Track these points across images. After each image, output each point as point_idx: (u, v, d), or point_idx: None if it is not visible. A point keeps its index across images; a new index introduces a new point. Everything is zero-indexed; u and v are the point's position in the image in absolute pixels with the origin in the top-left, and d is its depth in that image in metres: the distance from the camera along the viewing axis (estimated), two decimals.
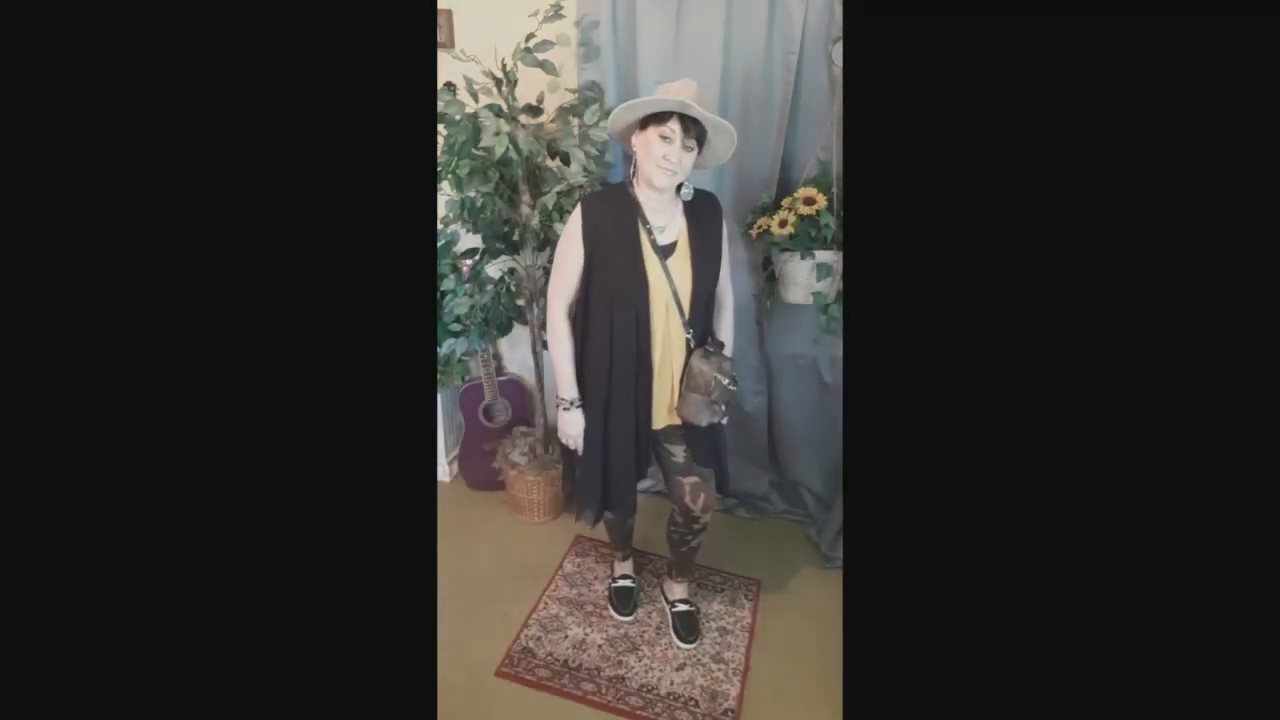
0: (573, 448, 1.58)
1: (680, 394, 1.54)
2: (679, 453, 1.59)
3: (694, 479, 1.57)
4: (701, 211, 1.50)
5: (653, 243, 1.44)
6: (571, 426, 1.55)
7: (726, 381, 1.52)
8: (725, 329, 1.64)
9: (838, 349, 1.94)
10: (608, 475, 1.58)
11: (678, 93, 1.38)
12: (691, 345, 1.52)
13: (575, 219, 1.46)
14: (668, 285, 1.45)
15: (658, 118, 1.36)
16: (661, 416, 1.57)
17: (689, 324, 1.49)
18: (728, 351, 1.62)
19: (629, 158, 1.45)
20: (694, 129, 1.36)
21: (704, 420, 1.53)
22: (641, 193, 1.45)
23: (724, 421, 1.61)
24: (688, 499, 1.57)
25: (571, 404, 1.54)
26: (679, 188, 1.46)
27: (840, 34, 1.64)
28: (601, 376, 1.51)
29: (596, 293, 1.47)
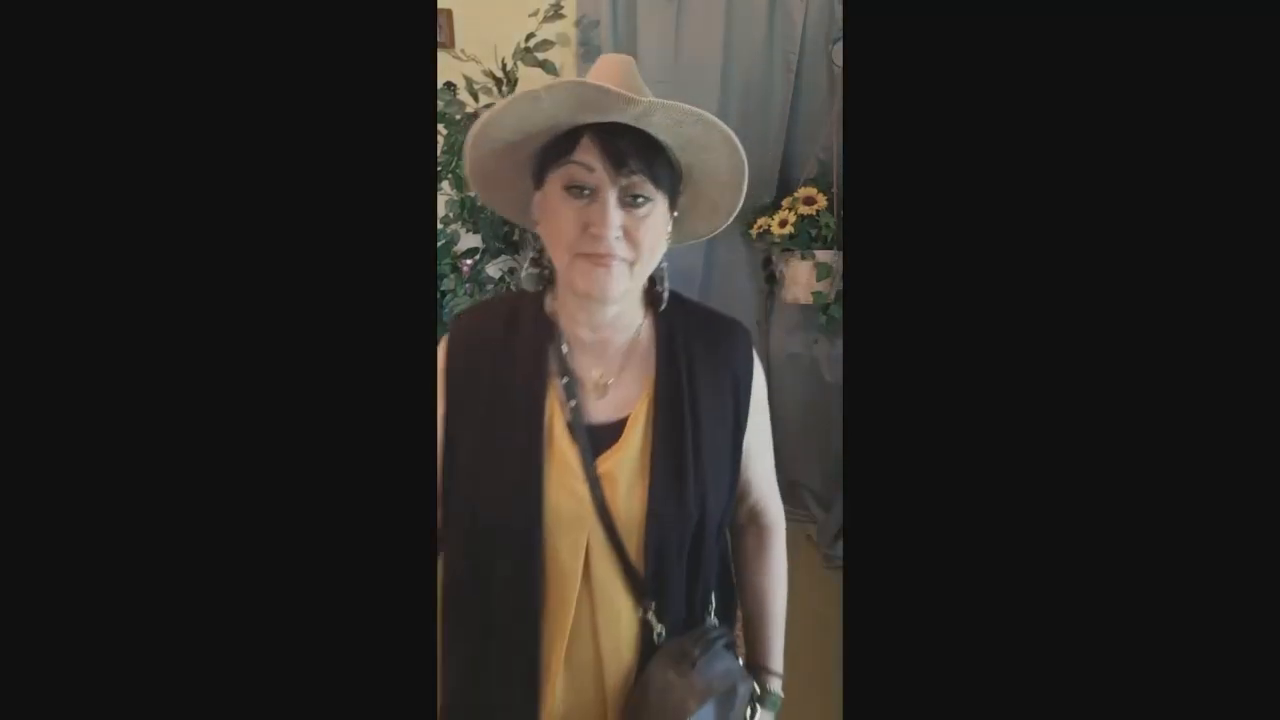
0: None
1: None
2: None
3: None
4: (696, 347, 0.74)
5: (570, 415, 0.70)
6: None
7: None
8: (768, 621, 0.84)
9: (838, 349, 1.94)
10: None
11: (597, 77, 0.65)
12: (656, 636, 0.71)
13: (440, 351, 0.74)
14: (593, 509, 0.68)
15: (558, 146, 0.64)
16: None
17: (647, 590, 0.70)
18: (775, 666, 0.85)
19: (531, 242, 0.73)
20: (644, 157, 0.63)
21: None
22: (561, 307, 0.74)
23: None
24: None
25: None
26: (650, 288, 0.74)
27: (840, 34, 1.64)
28: (462, 674, 0.73)
29: (454, 503, 0.72)
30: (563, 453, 0.69)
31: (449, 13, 1.99)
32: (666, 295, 0.75)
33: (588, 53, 1.90)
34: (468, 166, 0.70)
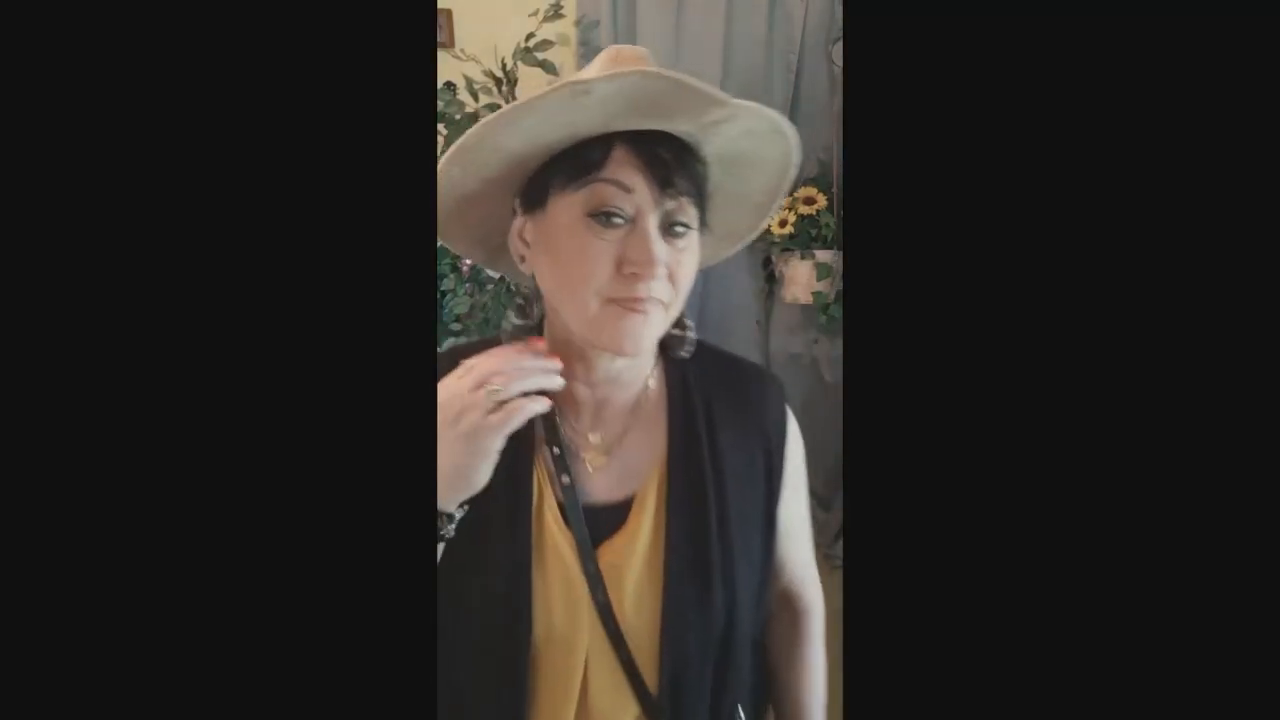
0: None
1: None
2: None
3: None
4: (718, 404, 0.61)
5: (562, 494, 0.57)
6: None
7: None
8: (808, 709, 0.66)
9: (838, 349, 1.94)
10: None
11: (623, 61, 0.52)
12: None
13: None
14: (593, 613, 0.55)
15: (575, 159, 0.50)
16: None
17: (660, 713, 0.56)
18: None
19: (522, 299, 0.60)
20: (688, 173, 0.52)
21: None
22: (569, 367, 0.56)
23: None
24: None
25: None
26: (673, 334, 0.59)
27: (840, 34, 1.64)
28: None
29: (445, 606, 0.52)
30: (554, 542, 0.55)
31: (449, 13, 1.99)
32: (692, 339, 0.59)
33: (588, 53, 1.90)
34: (442, 182, 0.51)
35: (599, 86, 0.45)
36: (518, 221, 0.57)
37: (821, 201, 1.65)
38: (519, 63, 1.78)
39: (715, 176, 0.56)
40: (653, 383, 0.62)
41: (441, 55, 1.98)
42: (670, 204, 0.52)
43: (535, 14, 1.77)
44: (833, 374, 1.99)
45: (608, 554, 0.56)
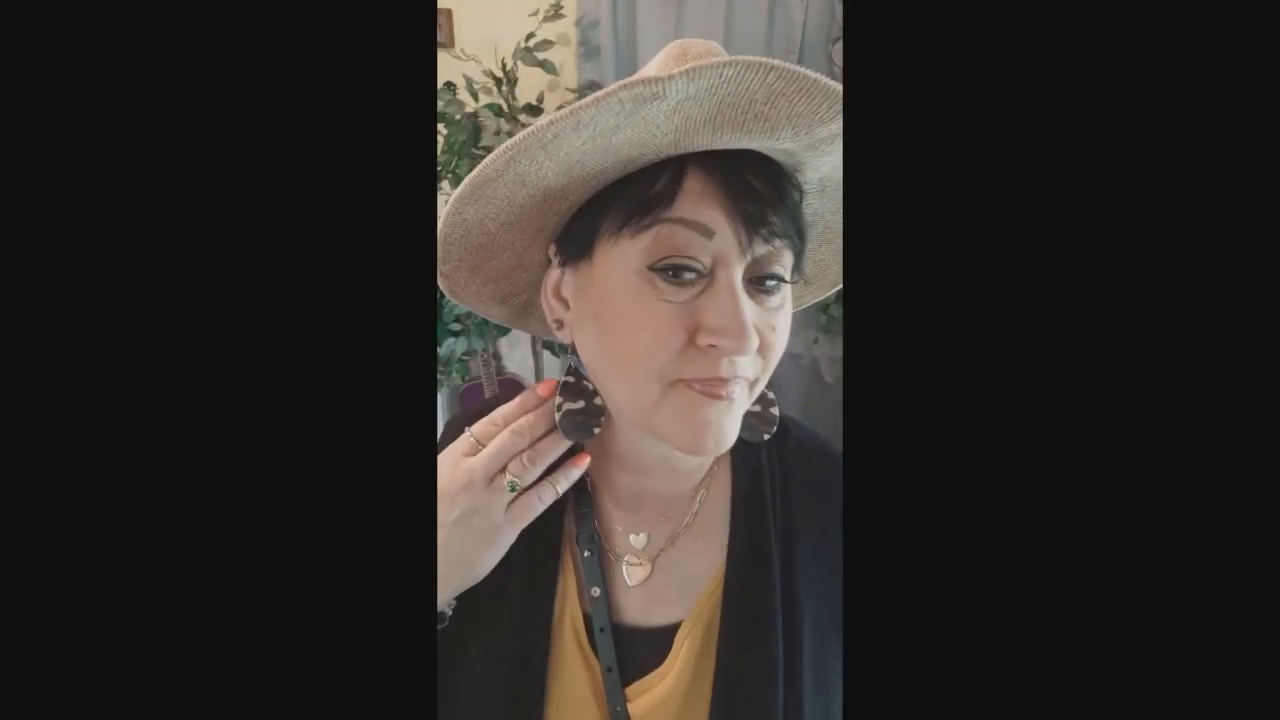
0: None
1: None
2: None
3: None
4: (798, 504, 0.48)
5: (590, 610, 0.45)
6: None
7: None
8: None
9: (838, 349, 1.94)
10: None
11: (694, 59, 0.37)
12: None
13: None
14: None
15: (638, 197, 0.37)
16: None
17: None
18: None
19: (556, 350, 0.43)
20: (785, 208, 0.38)
21: None
22: (594, 455, 0.46)
23: None
24: None
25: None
26: (749, 411, 0.44)
27: (840, 34, 1.64)
28: None
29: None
30: (573, 670, 0.44)
31: (449, 13, 1.99)
32: (773, 417, 0.45)
33: (588, 52, 1.90)
34: (450, 228, 0.40)
35: (676, 86, 0.32)
36: (554, 275, 0.43)
37: None
38: (519, 63, 1.78)
39: (813, 205, 0.43)
40: (716, 474, 0.48)
41: (441, 55, 1.98)
42: (762, 250, 0.38)
43: (535, 14, 1.77)
44: (833, 374, 1.99)
45: (639, 698, 0.43)
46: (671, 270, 0.37)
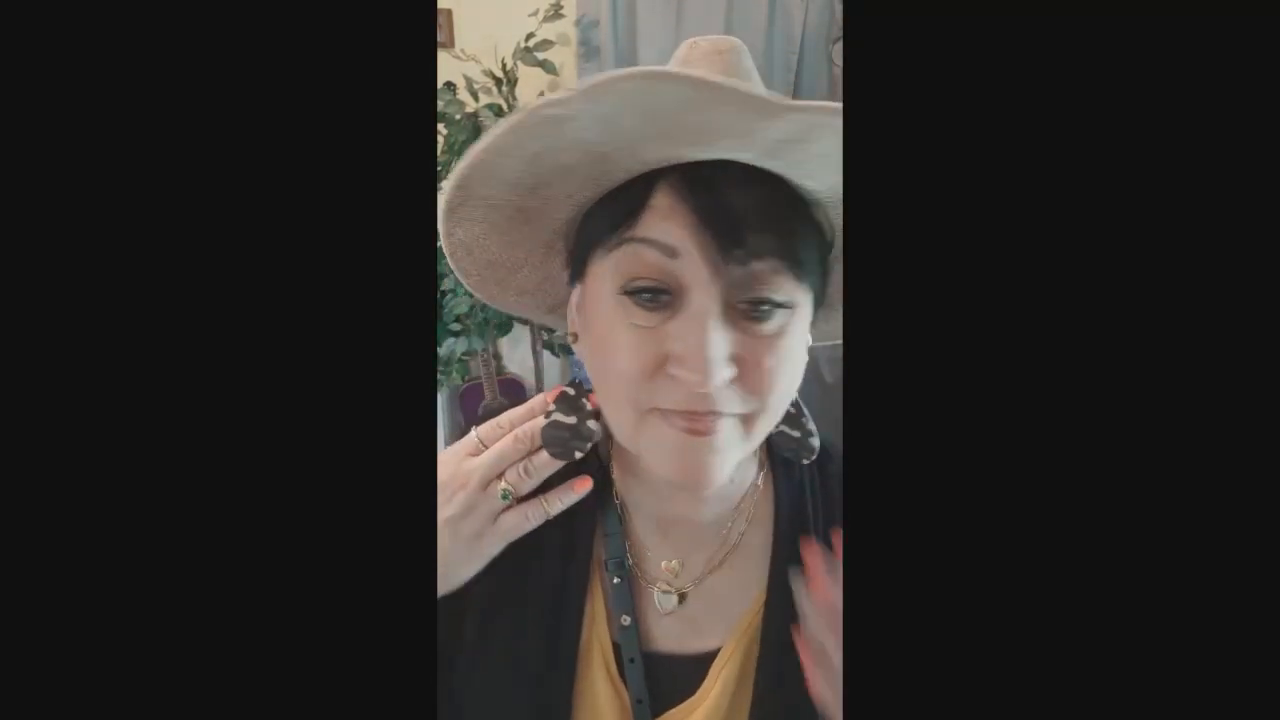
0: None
1: None
2: None
3: None
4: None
5: (619, 637, 0.43)
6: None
7: None
8: None
9: (838, 349, 1.93)
10: None
11: (697, 57, 0.40)
12: None
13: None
14: None
15: (612, 213, 0.36)
16: None
17: None
18: None
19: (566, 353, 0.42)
20: (773, 220, 0.35)
21: None
22: (618, 456, 0.47)
23: None
24: None
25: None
26: (784, 433, 0.45)
27: (840, 34, 1.64)
28: None
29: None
30: (598, 701, 0.42)
31: (449, 13, 1.99)
32: (812, 443, 0.44)
33: (588, 53, 1.90)
34: (446, 245, 0.39)
35: (578, 105, 0.30)
36: (575, 291, 0.41)
37: None
38: (519, 63, 1.78)
39: (832, 217, 0.39)
40: (758, 497, 0.45)
41: (441, 55, 1.98)
42: (738, 272, 0.35)
43: (535, 14, 1.77)
44: (833, 374, 1.99)
45: None
46: (640, 292, 0.35)
